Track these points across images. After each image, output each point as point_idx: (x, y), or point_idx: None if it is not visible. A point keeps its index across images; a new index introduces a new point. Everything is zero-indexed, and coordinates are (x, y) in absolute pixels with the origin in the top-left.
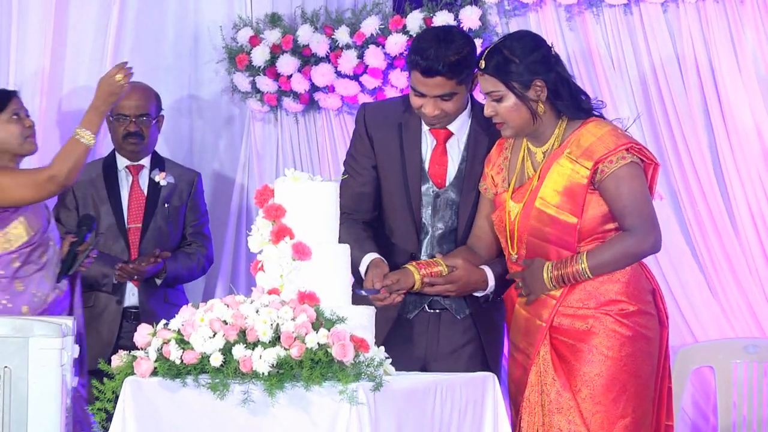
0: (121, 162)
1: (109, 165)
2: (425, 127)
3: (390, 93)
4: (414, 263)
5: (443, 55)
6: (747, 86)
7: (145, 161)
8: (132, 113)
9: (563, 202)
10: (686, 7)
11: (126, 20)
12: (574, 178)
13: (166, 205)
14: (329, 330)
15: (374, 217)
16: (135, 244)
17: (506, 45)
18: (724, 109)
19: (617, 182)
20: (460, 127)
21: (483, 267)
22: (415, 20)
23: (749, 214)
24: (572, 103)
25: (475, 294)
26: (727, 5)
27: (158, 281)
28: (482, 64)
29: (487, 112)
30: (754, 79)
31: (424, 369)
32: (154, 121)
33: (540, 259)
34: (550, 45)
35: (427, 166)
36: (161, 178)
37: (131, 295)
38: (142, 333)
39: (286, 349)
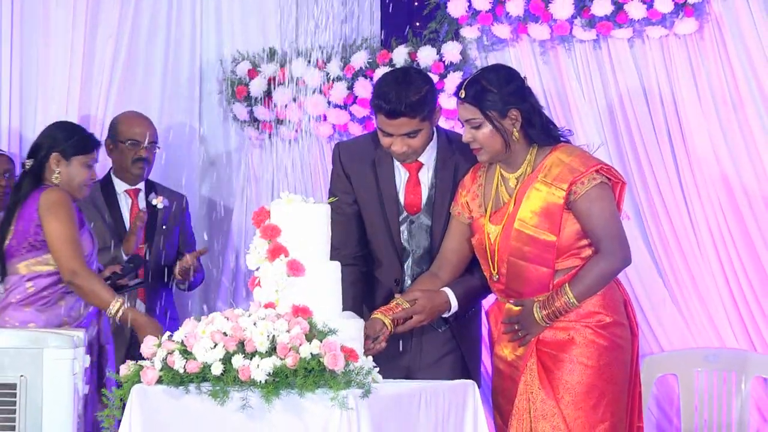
0: (120, 185)
1: (106, 188)
2: (397, 161)
3: None
4: (379, 312)
5: (404, 96)
6: (706, 115)
7: (141, 184)
8: (144, 140)
9: (541, 222)
10: (650, 43)
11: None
12: (551, 200)
13: (164, 227)
14: (321, 341)
15: (364, 253)
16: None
17: (484, 76)
18: (686, 136)
19: (589, 203)
20: (429, 156)
21: (444, 290)
22: (400, 54)
23: (709, 233)
24: (543, 131)
25: (443, 315)
26: (688, 41)
27: (182, 286)
28: (462, 93)
29: (466, 138)
30: (713, 109)
31: (408, 378)
32: (156, 148)
33: (530, 301)
34: (524, 77)
35: (402, 197)
36: (158, 202)
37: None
38: (149, 344)
39: (281, 358)
